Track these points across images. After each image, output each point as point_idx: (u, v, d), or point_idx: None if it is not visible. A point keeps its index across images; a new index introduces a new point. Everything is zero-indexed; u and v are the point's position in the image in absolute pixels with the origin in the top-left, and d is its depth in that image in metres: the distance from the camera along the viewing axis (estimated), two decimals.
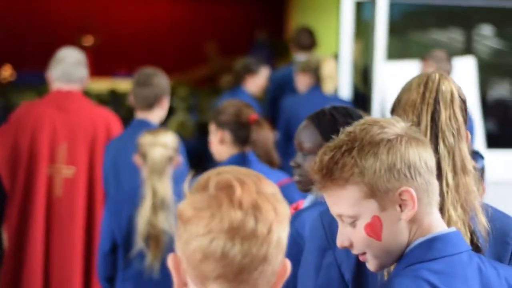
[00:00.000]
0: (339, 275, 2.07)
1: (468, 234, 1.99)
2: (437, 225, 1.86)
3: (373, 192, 1.83)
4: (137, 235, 3.99)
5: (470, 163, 2.04)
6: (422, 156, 1.84)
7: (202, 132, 7.63)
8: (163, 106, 4.73)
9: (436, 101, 2.06)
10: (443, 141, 2.04)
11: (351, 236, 1.87)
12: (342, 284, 2.08)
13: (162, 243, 4.02)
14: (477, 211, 2.02)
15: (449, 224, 1.95)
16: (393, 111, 2.15)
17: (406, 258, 1.85)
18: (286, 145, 6.03)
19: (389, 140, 1.83)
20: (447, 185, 2.00)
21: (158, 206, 4.01)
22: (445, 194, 1.99)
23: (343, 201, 1.86)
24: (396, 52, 7.89)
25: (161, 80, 4.73)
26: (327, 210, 1.95)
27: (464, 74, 6.76)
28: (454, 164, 2.02)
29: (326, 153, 1.86)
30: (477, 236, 2.01)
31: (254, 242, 1.53)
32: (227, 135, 3.81)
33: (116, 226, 4.03)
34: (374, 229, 1.84)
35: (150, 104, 4.67)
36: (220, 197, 1.55)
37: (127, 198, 4.07)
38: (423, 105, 2.07)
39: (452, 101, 2.08)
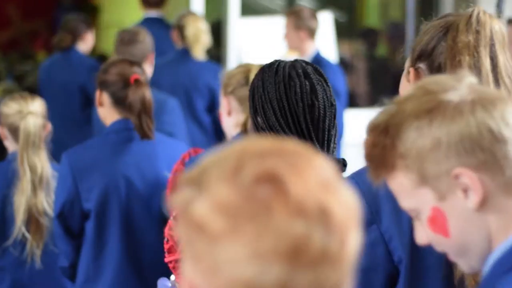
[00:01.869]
0: (386, 255, 1.77)
1: None
2: None
3: (423, 178, 1.41)
4: (15, 219, 3.42)
5: None
6: (486, 121, 1.39)
7: None
8: (151, 62, 4.64)
9: (492, 43, 1.78)
10: (504, 87, 1.74)
11: (426, 233, 1.45)
12: (391, 268, 1.77)
13: (44, 228, 3.47)
14: None
15: None
16: (421, 58, 1.78)
17: (497, 264, 1.41)
18: None
19: (437, 107, 1.40)
20: None
21: (37, 184, 3.45)
22: None
23: (398, 193, 1.45)
24: (248, 8, 7.55)
25: (146, 37, 4.68)
26: (361, 171, 1.69)
27: (323, 30, 6.49)
28: None
29: (367, 136, 1.45)
30: None
31: (325, 267, 1.05)
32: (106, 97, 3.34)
33: None
34: (437, 223, 1.43)
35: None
36: (267, 197, 1.05)
37: None
38: (480, 48, 1.75)
39: (503, 42, 1.80)
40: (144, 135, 3.27)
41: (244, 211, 1.05)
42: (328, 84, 2.08)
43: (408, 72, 1.85)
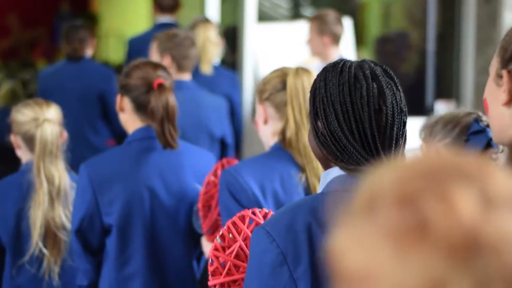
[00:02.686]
0: None
1: None
2: None
3: None
4: (31, 233, 3.21)
5: None
6: None
7: None
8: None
9: None
10: None
11: None
12: None
13: (62, 243, 3.27)
14: None
15: None
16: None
17: None
18: None
19: None
20: None
21: (54, 196, 3.24)
22: None
23: None
24: (266, 12, 7.35)
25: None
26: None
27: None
28: None
29: None
30: None
31: None
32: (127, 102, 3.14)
33: None
34: None
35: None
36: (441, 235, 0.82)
37: (11, 188, 3.28)
38: None
39: None
40: (167, 144, 3.05)
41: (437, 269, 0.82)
42: (399, 87, 1.86)
43: (498, 76, 1.63)
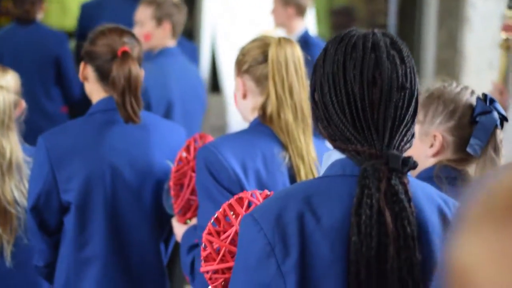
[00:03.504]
0: None
1: None
2: None
3: None
4: None
5: None
6: None
7: None
8: None
9: None
10: None
11: None
12: None
13: (14, 219, 3.03)
14: None
15: None
16: None
17: None
18: None
19: None
20: None
21: (5, 170, 3.01)
22: None
23: None
24: None
25: None
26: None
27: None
28: None
29: None
30: None
31: None
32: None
33: None
34: None
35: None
36: None
37: None
38: None
39: None
40: (128, 118, 2.82)
41: None
42: (406, 61, 1.65)
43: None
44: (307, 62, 2.51)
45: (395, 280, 1.56)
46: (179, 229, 2.73)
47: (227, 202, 1.97)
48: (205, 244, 1.95)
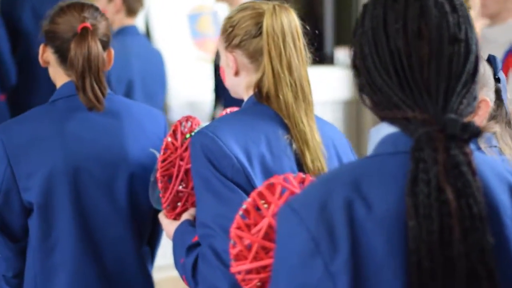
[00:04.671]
0: None
1: None
2: None
3: None
4: None
5: None
6: None
7: None
8: None
9: None
10: None
11: None
12: None
13: None
14: None
15: None
16: None
17: None
18: None
19: None
20: None
21: None
22: None
23: None
24: None
25: None
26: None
27: None
28: None
29: None
30: None
31: None
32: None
33: None
34: None
35: None
36: None
37: None
38: None
39: None
40: (89, 104, 2.50)
41: None
42: (458, 10, 1.40)
43: None
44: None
45: (463, 268, 1.30)
46: (169, 226, 2.40)
47: (256, 190, 1.77)
48: (234, 241, 1.72)
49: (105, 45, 2.55)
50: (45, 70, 2.64)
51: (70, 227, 2.49)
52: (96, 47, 2.49)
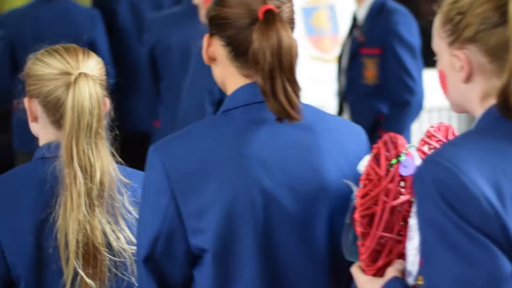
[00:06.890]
0: None
1: None
2: None
3: None
4: (66, 251, 2.06)
5: None
6: None
7: None
8: None
9: None
10: None
11: None
12: None
13: (104, 268, 2.11)
14: None
15: None
16: None
17: None
18: None
19: None
20: None
21: (94, 197, 2.07)
22: None
23: None
24: None
25: None
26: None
27: None
28: None
29: None
30: None
31: None
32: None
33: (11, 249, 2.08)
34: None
35: None
36: None
37: (26, 186, 2.11)
38: None
39: None
40: (281, 113, 1.87)
41: None
42: None
43: None
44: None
45: None
46: (369, 284, 1.79)
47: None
48: None
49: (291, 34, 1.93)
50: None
51: (256, 279, 1.87)
52: (287, 36, 1.87)
